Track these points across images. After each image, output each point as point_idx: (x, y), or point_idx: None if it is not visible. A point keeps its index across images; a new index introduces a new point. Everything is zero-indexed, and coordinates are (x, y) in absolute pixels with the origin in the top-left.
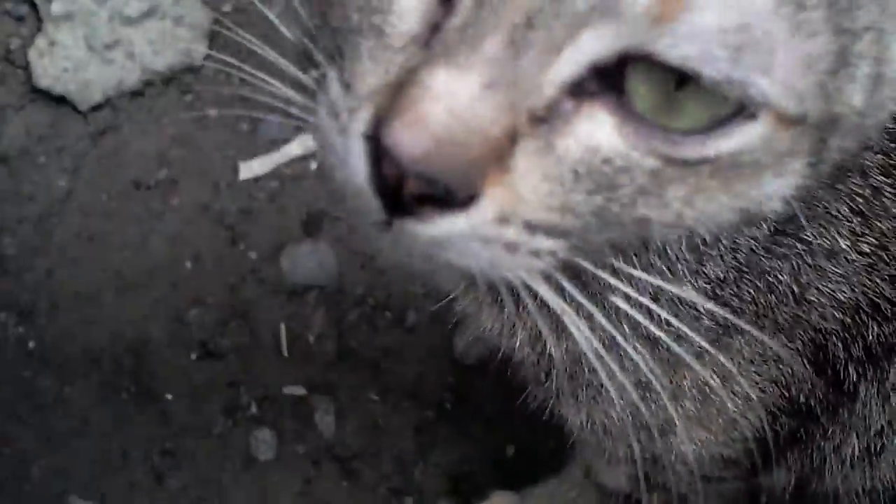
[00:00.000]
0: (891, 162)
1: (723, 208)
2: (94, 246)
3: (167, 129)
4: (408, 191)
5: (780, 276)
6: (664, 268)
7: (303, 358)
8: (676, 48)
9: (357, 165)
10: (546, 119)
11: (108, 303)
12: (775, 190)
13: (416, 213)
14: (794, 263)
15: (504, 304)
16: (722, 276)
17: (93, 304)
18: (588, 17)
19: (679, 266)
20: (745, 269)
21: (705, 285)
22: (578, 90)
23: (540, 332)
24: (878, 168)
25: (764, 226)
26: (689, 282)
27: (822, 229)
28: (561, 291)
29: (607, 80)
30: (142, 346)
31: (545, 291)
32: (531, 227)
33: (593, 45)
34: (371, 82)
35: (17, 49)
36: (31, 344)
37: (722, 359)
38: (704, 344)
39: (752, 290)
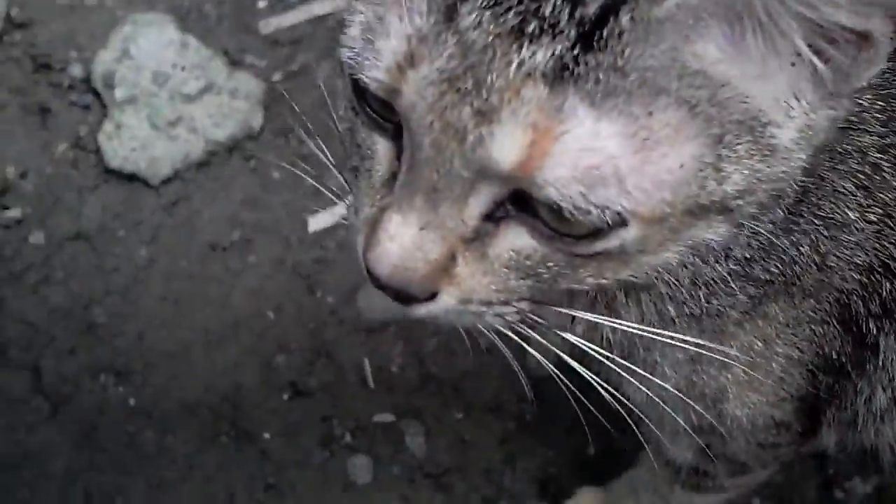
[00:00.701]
0: (884, 142)
1: (641, 267)
2: (180, 307)
3: (235, 193)
4: (390, 293)
5: (801, 249)
6: (695, 258)
7: (388, 387)
8: (541, 191)
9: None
10: (476, 238)
11: (198, 357)
12: (704, 238)
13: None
14: (813, 237)
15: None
16: (749, 256)
17: (184, 359)
18: (476, 179)
19: (709, 254)
20: (769, 248)
21: (735, 267)
22: (497, 214)
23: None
24: (874, 147)
25: (779, 212)
26: (720, 264)
27: (832, 204)
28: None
29: (521, 204)
30: (235, 393)
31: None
32: (488, 304)
33: (488, 193)
34: (364, 213)
35: (86, 135)
36: (132, 401)
37: (761, 324)
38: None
39: (779, 265)
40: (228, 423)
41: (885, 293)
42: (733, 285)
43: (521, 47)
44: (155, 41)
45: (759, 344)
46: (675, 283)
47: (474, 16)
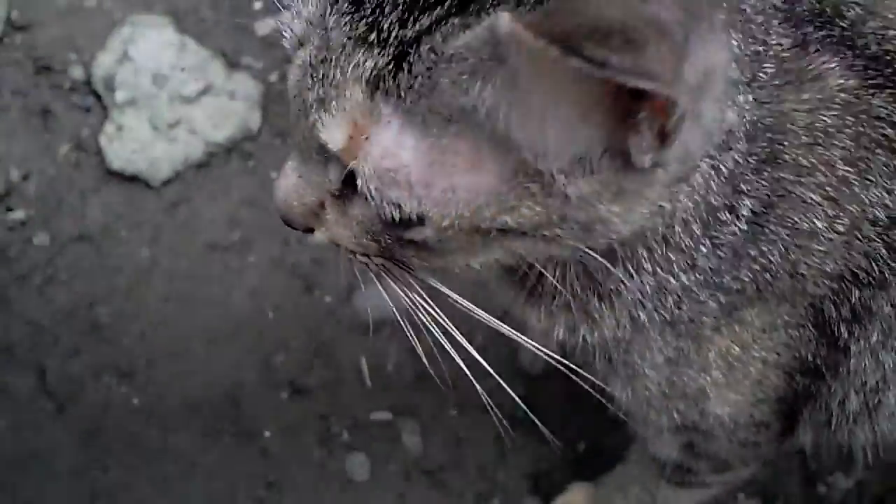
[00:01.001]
0: (853, 154)
1: (470, 261)
2: (182, 306)
3: (235, 194)
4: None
5: (770, 258)
6: (657, 267)
7: (385, 386)
8: (357, 178)
9: None
10: (340, 196)
11: (200, 356)
12: (529, 251)
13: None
14: (781, 246)
15: (542, 303)
16: (713, 266)
17: (186, 358)
18: (321, 157)
19: (672, 265)
20: (735, 258)
21: (699, 276)
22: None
23: (575, 323)
24: (842, 160)
25: (734, 225)
26: (685, 274)
27: (800, 215)
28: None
29: None
30: (236, 392)
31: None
32: (352, 252)
33: (337, 165)
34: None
35: (87, 137)
36: (135, 400)
37: (738, 329)
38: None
39: (749, 273)
40: (230, 422)
41: (854, 300)
42: (699, 295)
43: (359, 54)
44: (154, 43)
45: (737, 349)
46: (641, 290)
47: (336, 18)
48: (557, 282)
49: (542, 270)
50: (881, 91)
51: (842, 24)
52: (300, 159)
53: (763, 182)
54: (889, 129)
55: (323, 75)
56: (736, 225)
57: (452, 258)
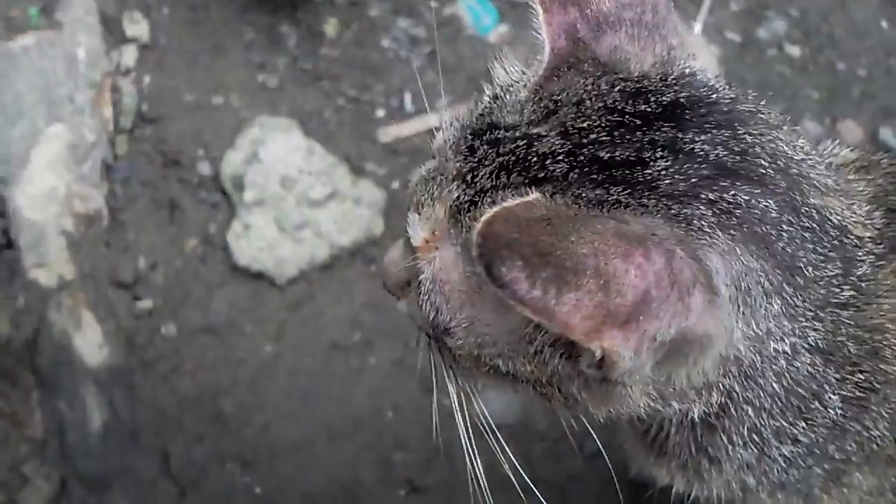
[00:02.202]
0: None
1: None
2: (304, 402)
3: (357, 296)
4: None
5: (877, 428)
6: (754, 442)
7: (499, 488)
8: (420, 275)
9: None
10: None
11: (320, 451)
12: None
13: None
14: (887, 421)
15: (665, 462)
16: (815, 441)
17: (307, 452)
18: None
19: (771, 440)
20: (840, 431)
21: (802, 449)
22: None
23: (691, 481)
24: None
25: (826, 412)
26: (785, 447)
27: None
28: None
29: None
30: (355, 487)
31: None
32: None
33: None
34: None
35: (215, 232)
36: (257, 490)
37: (846, 492)
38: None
39: (853, 444)
40: None
41: None
42: (803, 463)
43: (454, 185)
44: (283, 146)
45: None
46: (744, 458)
47: (454, 152)
48: (676, 443)
49: (659, 430)
50: None
51: None
52: (404, 241)
53: (861, 374)
54: None
55: (429, 188)
56: (828, 413)
57: (469, 376)
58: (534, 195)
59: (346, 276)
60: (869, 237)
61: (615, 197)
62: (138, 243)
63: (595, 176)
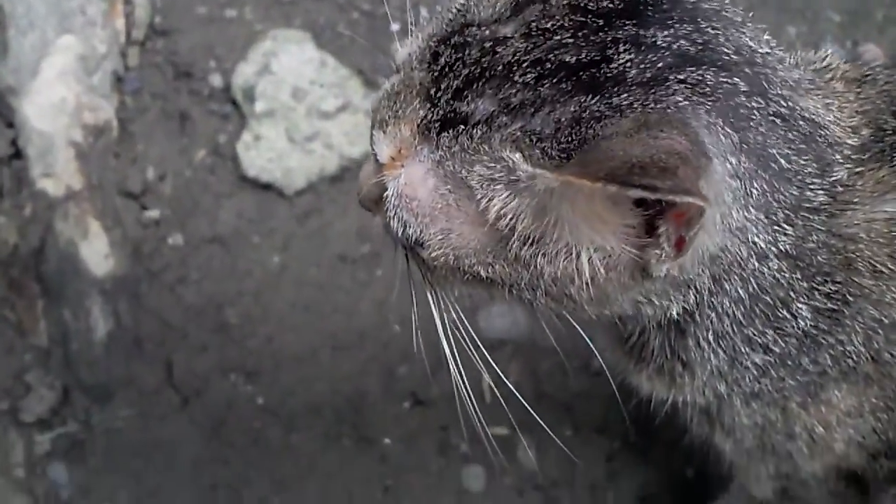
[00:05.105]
0: None
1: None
2: (309, 313)
3: None
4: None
5: (853, 343)
6: (724, 347)
7: (504, 403)
8: (387, 192)
9: None
10: None
11: (325, 362)
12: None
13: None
14: (864, 333)
15: (643, 368)
16: (788, 351)
17: (311, 363)
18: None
19: (742, 346)
20: (812, 344)
21: (768, 357)
22: None
23: (667, 387)
24: None
25: (795, 322)
26: (755, 352)
27: (882, 309)
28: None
29: None
30: (359, 398)
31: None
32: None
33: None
34: None
35: (224, 143)
36: (260, 400)
37: (824, 410)
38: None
39: (828, 356)
40: (350, 427)
41: None
42: (775, 373)
43: (419, 101)
44: (295, 58)
45: (820, 429)
46: (716, 364)
47: (419, 63)
48: (652, 349)
49: (639, 335)
50: None
51: None
52: (373, 156)
53: (833, 284)
54: None
55: (392, 104)
56: (797, 322)
57: (445, 283)
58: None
59: (354, 188)
60: (850, 144)
61: (587, 109)
62: (147, 154)
63: (564, 84)
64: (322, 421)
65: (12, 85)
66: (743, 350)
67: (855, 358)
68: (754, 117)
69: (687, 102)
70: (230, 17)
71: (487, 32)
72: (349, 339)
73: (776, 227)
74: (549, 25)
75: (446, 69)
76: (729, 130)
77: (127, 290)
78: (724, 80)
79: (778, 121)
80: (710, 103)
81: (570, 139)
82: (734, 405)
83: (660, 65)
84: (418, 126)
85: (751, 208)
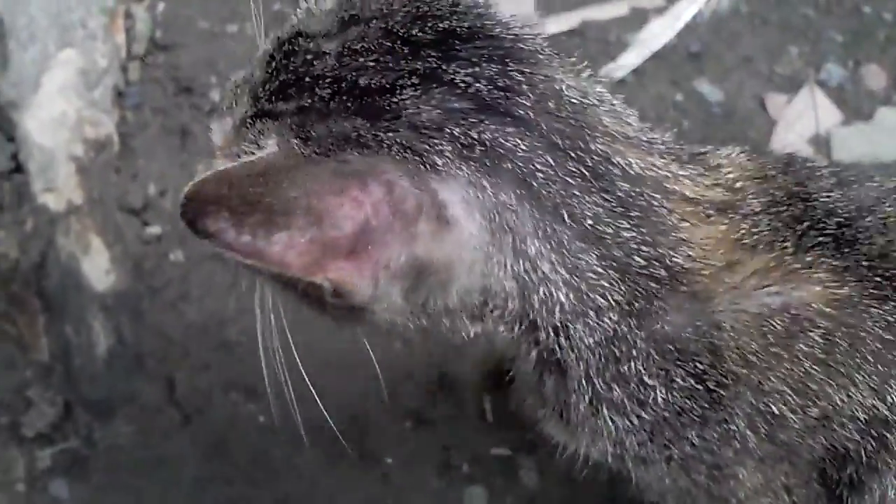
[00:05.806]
0: (823, 356)
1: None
2: (310, 332)
3: None
4: None
5: (737, 427)
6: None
7: (506, 424)
8: None
9: None
10: None
11: (327, 382)
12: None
13: None
14: (746, 420)
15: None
16: (672, 420)
17: (313, 382)
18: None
19: (626, 405)
20: (700, 419)
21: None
22: None
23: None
24: (810, 358)
25: (657, 395)
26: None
27: (762, 399)
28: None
29: None
30: (361, 418)
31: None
32: None
33: None
34: None
35: None
36: (261, 418)
37: (732, 483)
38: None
39: (716, 435)
40: (352, 446)
41: (850, 471)
42: (658, 440)
43: (245, 100)
44: None
45: (734, 501)
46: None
47: (259, 64)
48: (548, 388)
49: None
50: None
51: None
52: None
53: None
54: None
55: (231, 97)
56: (658, 396)
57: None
58: (271, 146)
59: None
60: (710, 225)
61: (358, 132)
62: (148, 169)
63: (350, 104)
64: (323, 440)
65: (13, 99)
66: (623, 403)
67: (740, 440)
68: (539, 175)
69: (444, 161)
70: (231, 31)
71: (312, 45)
72: (351, 357)
73: (602, 284)
74: (359, 47)
75: (274, 73)
76: (504, 190)
77: (128, 307)
78: (512, 134)
79: (578, 180)
80: (477, 164)
81: (329, 148)
82: (628, 466)
83: (446, 107)
84: (237, 122)
85: (544, 259)
